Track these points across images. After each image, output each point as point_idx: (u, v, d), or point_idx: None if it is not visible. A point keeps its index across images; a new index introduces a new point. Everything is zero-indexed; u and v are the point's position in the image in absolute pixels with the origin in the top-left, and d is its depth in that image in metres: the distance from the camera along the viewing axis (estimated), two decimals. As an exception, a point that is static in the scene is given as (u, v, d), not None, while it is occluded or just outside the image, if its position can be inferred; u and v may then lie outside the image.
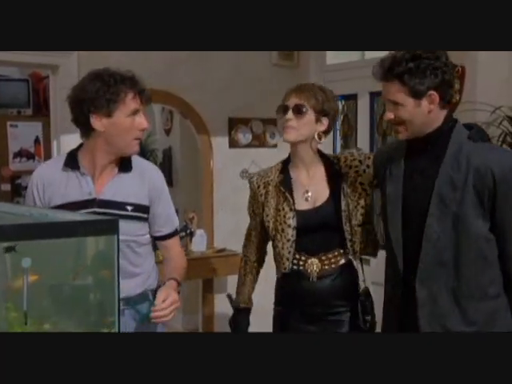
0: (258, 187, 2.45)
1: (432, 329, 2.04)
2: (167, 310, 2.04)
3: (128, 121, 2.14)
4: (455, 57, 3.50)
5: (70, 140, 4.00)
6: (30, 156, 5.28)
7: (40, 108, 5.33)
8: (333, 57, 4.47)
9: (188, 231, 4.32)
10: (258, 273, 2.60)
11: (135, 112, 2.15)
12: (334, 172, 2.40)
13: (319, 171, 2.41)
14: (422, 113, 2.02)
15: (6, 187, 5.21)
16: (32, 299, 1.24)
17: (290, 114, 2.31)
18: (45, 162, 2.83)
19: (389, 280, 2.21)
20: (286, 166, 2.44)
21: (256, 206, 2.47)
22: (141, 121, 2.17)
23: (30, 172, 5.71)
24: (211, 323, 4.43)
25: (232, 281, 4.36)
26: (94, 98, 2.10)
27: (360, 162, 2.38)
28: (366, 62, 3.99)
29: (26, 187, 5.57)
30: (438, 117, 2.05)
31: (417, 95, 1.99)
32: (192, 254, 4.27)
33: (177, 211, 4.98)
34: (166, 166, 5.55)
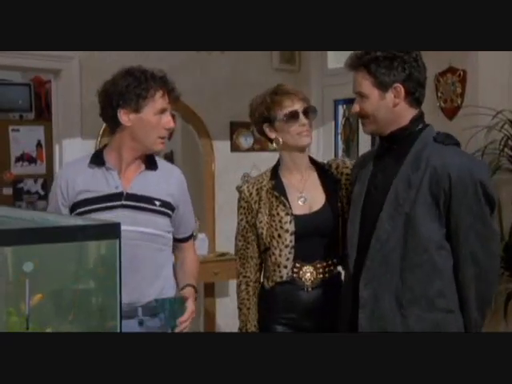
0: (251, 194, 2.33)
1: (372, 331, 1.96)
2: (189, 321, 2.16)
3: (155, 118, 2.15)
4: (457, 61, 3.54)
5: (72, 144, 4.01)
6: (32, 160, 5.28)
7: (42, 112, 5.33)
8: (334, 61, 4.48)
9: (190, 235, 4.32)
10: (257, 295, 2.38)
11: (163, 111, 2.17)
12: (328, 178, 2.35)
13: (312, 176, 2.35)
14: (387, 106, 1.98)
15: (8, 191, 5.21)
16: (33, 304, 1.24)
17: (303, 119, 2.26)
18: (68, 162, 2.86)
19: (344, 279, 2.17)
20: (276, 171, 2.36)
21: (251, 216, 2.32)
22: (168, 120, 2.18)
23: (31, 176, 5.69)
24: (213, 327, 4.42)
25: (233, 285, 4.36)
26: (123, 93, 2.12)
27: (351, 170, 2.32)
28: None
29: (27, 191, 5.58)
30: (405, 114, 2.00)
31: (382, 86, 1.97)
32: (194, 258, 4.26)
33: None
34: (168, 170, 5.55)
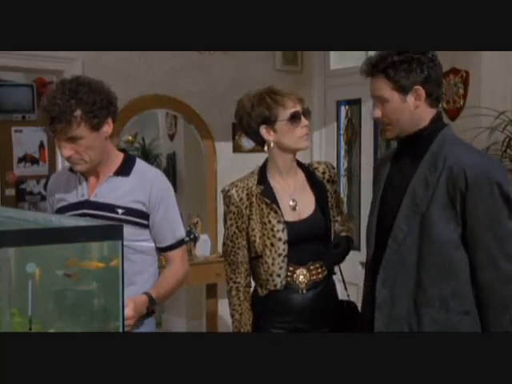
0: (241, 199, 2.25)
1: (387, 331, 1.95)
2: None
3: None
4: (460, 62, 3.53)
5: (75, 145, 4.02)
6: (35, 161, 5.29)
7: (44, 113, 5.34)
8: (337, 62, 4.47)
9: (192, 236, 4.32)
10: (249, 299, 2.35)
11: (57, 137, 2.08)
12: (315, 180, 2.32)
13: (300, 179, 2.32)
14: (409, 109, 1.97)
15: (11, 192, 5.21)
16: (36, 304, 1.24)
17: (305, 121, 2.23)
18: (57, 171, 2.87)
19: (365, 280, 2.16)
20: (264, 174, 2.31)
21: (241, 222, 2.25)
22: (59, 146, 2.09)
23: (34, 177, 5.68)
24: (215, 328, 4.42)
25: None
26: None
27: (333, 181, 2.35)
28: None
29: (30, 192, 5.56)
30: (425, 116, 2.00)
31: (402, 90, 1.96)
32: (196, 259, 4.27)
33: (180, 216, 4.91)
34: (170, 171, 5.55)
